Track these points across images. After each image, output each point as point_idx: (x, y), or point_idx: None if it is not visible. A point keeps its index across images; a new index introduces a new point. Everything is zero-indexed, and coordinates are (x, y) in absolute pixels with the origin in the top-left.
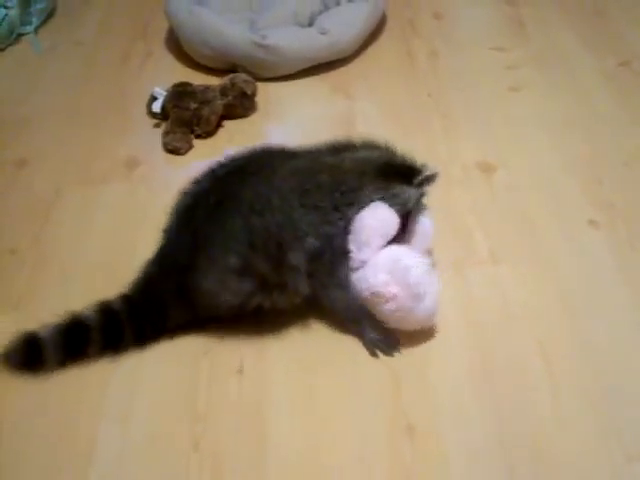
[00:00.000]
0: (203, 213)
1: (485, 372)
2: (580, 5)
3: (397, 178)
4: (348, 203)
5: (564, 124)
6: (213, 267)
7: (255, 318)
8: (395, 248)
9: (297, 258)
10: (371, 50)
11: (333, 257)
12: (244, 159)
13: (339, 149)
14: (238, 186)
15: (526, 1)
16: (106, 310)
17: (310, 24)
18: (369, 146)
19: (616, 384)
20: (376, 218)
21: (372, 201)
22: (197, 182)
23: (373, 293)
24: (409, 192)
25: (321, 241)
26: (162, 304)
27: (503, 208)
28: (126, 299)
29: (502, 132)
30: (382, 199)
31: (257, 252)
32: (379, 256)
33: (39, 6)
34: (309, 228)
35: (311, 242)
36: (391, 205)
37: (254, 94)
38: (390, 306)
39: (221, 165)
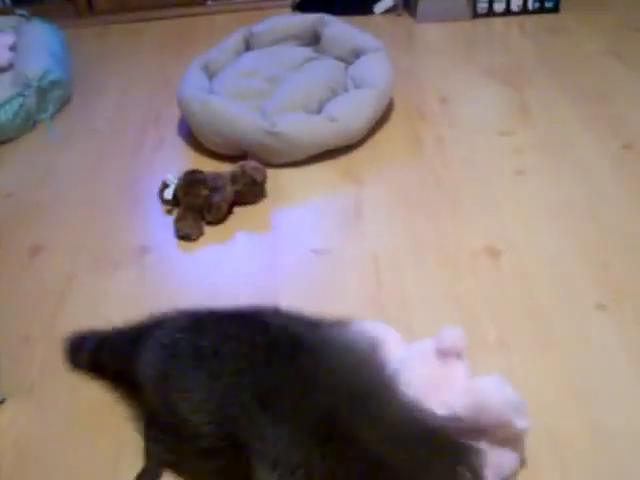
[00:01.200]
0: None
1: None
2: (582, 87)
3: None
4: None
5: (570, 208)
6: None
7: None
8: None
9: None
10: (379, 135)
11: None
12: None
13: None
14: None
15: (529, 84)
16: None
17: (319, 111)
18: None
19: (631, 470)
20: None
21: None
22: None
23: None
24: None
25: None
26: None
27: (510, 293)
28: None
29: (509, 216)
30: None
31: None
32: None
33: (55, 94)
34: None
35: None
36: None
37: (264, 181)
38: None
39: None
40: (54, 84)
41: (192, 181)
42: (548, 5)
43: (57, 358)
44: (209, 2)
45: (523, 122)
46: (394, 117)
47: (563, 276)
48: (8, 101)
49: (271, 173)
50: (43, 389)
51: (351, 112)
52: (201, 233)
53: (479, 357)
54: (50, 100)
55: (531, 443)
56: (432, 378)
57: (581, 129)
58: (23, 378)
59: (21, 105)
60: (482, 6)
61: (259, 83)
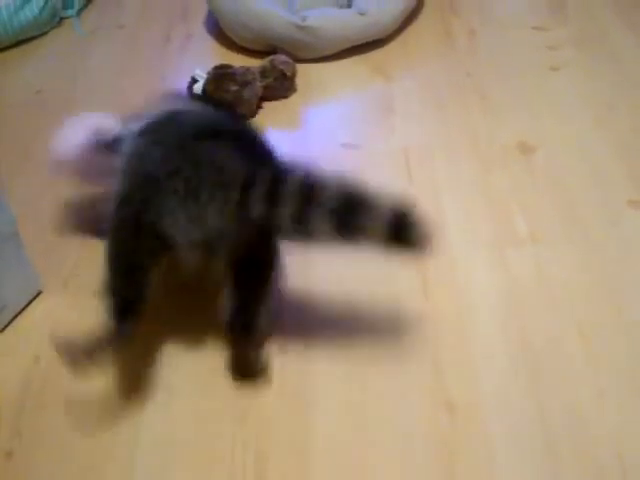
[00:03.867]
0: None
1: (524, 352)
2: None
3: None
4: None
5: (605, 104)
6: None
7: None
8: None
9: None
10: (410, 30)
11: None
12: None
13: None
14: None
15: None
16: None
17: (349, 5)
18: None
19: None
20: None
21: None
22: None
23: None
24: None
25: None
26: None
27: (543, 189)
28: None
29: (542, 112)
30: None
31: None
32: None
33: None
34: None
35: None
36: None
37: (294, 75)
38: None
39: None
40: None
41: (221, 76)
42: None
43: (92, 251)
44: None
45: (559, 17)
46: (425, 11)
47: (596, 172)
48: None
49: (301, 68)
50: (78, 282)
51: (381, 5)
52: None
53: (510, 251)
54: None
55: (560, 333)
56: None
57: (619, 25)
58: (58, 271)
59: (46, 1)
60: None
61: None
